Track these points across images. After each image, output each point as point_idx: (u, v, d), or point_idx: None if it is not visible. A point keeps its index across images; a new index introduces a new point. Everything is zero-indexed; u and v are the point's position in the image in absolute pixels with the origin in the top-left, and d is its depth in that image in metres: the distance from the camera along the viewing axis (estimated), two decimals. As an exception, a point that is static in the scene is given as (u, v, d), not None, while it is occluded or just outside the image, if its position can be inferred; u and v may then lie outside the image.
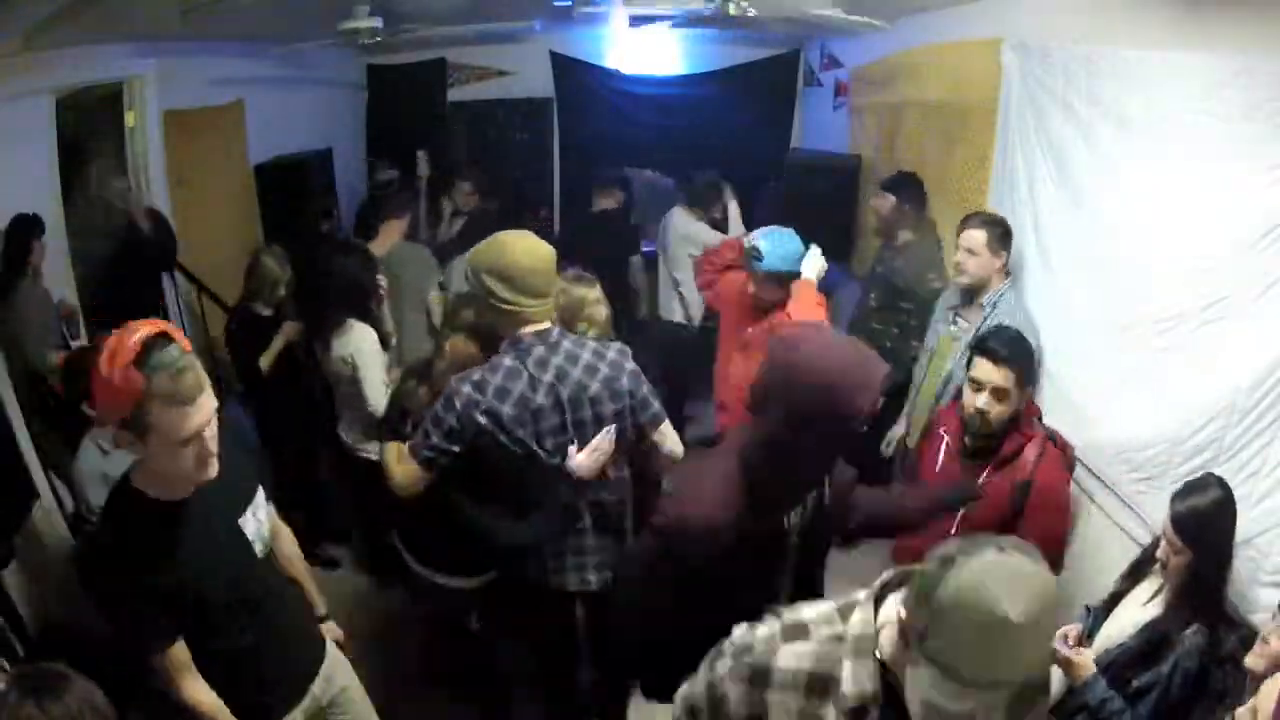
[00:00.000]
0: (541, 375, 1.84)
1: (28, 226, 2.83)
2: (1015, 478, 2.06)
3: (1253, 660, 1.41)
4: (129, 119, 3.62)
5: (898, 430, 3.05)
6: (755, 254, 2.43)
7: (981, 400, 2.05)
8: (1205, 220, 1.80)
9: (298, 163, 4.62)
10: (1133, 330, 2.03)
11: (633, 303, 4.44)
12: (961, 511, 2.08)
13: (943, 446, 2.28)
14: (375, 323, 2.93)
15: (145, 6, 2.86)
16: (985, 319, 2.48)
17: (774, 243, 2.44)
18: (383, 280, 2.97)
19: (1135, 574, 1.79)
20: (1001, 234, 2.49)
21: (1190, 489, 1.62)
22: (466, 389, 1.81)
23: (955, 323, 2.69)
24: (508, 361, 1.85)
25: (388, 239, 3.48)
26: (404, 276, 3.38)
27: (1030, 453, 2.07)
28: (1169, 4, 1.94)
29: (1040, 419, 2.22)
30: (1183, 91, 1.85)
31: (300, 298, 3.26)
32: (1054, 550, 2.04)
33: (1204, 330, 1.81)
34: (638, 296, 4.51)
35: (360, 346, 2.80)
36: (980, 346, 2.10)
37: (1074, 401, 2.30)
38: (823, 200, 4.15)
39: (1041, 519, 2.03)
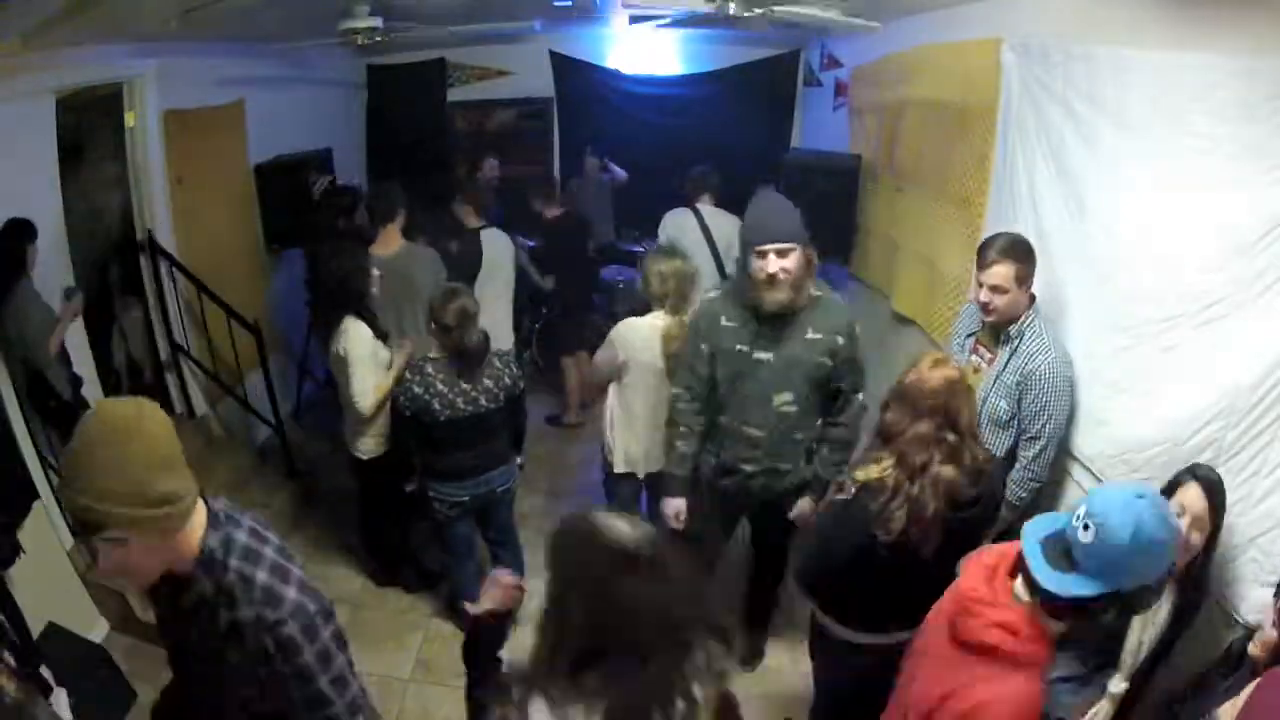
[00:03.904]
0: None
1: (20, 232, 2.83)
2: None
3: (1253, 649, 1.45)
4: (129, 119, 3.62)
5: None
6: None
7: None
8: (1205, 220, 1.80)
9: (298, 163, 4.62)
10: (1133, 330, 2.03)
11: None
12: None
13: None
14: (370, 320, 2.93)
15: (145, 6, 2.86)
16: (1014, 352, 2.26)
17: None
18: (376, 279, 2.97)
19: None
20: (1027, 258, 2.21)
21: None
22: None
23: (977, 352, 2.45)
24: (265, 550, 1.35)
25: (389, 242, 3.48)
26: (415, 278, 3.39)
27: None
28: (1169, 4, 1.94)
29: None
30: (1183, 91, 1.85)
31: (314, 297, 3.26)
32: None
33: (1204, 330, 1.80)
34: None
35: (347, 343, 2.83)
36: None
37: (1074, 401, 2.30)
38: (822, 200, 4.14)
39: None
